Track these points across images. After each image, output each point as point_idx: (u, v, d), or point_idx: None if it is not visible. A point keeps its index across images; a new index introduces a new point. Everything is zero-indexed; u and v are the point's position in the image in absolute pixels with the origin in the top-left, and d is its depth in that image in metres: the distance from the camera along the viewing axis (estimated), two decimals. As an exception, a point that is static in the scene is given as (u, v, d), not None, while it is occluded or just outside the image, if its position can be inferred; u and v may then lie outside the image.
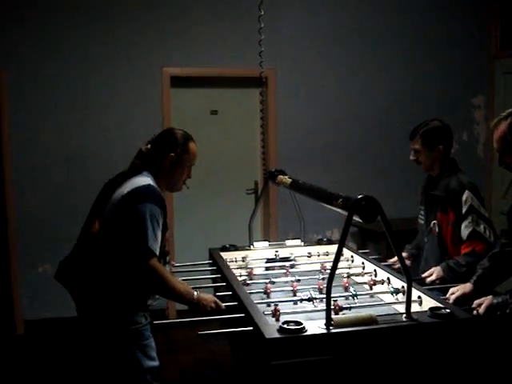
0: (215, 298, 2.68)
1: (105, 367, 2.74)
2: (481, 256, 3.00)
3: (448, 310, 2.38)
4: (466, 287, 2.79)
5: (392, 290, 2.84)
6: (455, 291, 2.79)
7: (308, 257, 3.62)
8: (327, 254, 3.61)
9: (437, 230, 3.22)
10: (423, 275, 3.10)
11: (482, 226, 3.07)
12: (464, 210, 3.09)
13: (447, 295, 2.81)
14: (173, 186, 2.86)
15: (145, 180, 2.69)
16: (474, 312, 2.58)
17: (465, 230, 3.09)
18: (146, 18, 5.38)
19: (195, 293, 2.62)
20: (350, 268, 3.38)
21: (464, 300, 2.72)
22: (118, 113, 5.36)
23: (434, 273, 3.12)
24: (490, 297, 2.59)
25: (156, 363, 2.72)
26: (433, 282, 3.10)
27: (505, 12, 6.09)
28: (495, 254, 2.78)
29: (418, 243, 3.53)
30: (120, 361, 2.66)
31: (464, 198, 3.10)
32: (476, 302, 2.63)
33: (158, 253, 2.55)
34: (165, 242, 2.76)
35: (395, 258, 3.38)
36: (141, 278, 2.54)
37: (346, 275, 3.20)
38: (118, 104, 5.37)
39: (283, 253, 3.63)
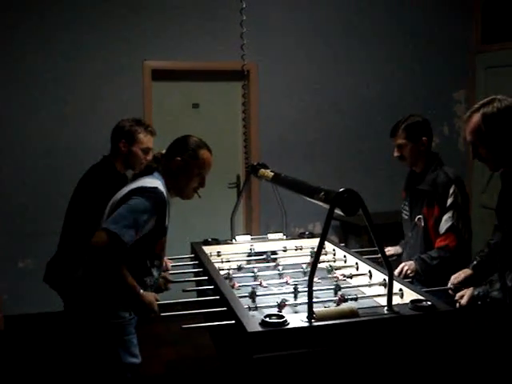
0: (155, 304, 2.61)
1: (86, 361, 2.73)
2: (452, 252, 3.07)
3: (429, 303, 2.39)
4: (467, 272, 2.86)
5: (329, 268, 3.11)
6: (457, 276, 2.86)
7: (284, 251, 3.63)
8: (310, 247, 3.62)
9: (422, 224, 3.24)
10: (396, 272, 3.10)
11: (460, 224, 3.11)
12: (448, 204, 3.12)
13: (451, 279, 2.87)
14: (180, 192, 2.82)
15: (154, 182, 2.68)
16: (457, 304, 2.61)
17: (444, 224, 3.12)
18: (128, 12, 5.33)
19: (141, 290, 2.58)
20: (334, 261, 3.40)
21: (466, 282, 2.78)
22: (99, 106, 5.32)
23: (406, 265, 3.16)
24: (471, 288, 2.62)
25: (137, 360, 2.71)
26: (415, 277, 3.13)
27: (486, 7, 6.12)
28: (493, 244, 2.82)
29: None
30: (100, 355, 2.65)
31: (450, 191, 3.13)
32: (458, 294, 2.66)
33: (128, 244, 2.48)
34: (161, 246, 2.76)
35: (391, 250, 3.42)
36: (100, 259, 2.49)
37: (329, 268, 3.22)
38: (99, 98, 5.32)
39: (265, 247, 3.63)
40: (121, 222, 2.47)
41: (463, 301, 2.59)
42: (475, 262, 2.88)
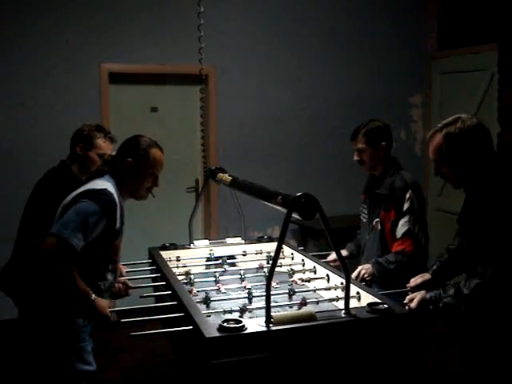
0: (107, 310, 2.58)
1: (39, 369, 2.68)
2: (409, 257, 3.11)
3: (386, 306, 2.41)
4: (425, 276, 2.88)
5: (290, 271, 3.15)
6: (415, 279, 2.87)
7: (243, 255, 3.63)
8: (267, 251, 3.62)
9: (379, 227, 3.28)
10: (353, 275, 3.12)
11: (417, 228, 3.15)
12: (404, 209, 3.16)
13: (410, 283, 2.88)
14: (134, 192, 2.81)
15: (104, 184, 2.66)
16: (406, 307, 2.64)
17: (401, 228, 3.16)
18: (84, 14, 5.25)
19: (93, 296, 2.55)
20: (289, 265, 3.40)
21: (424, 286, 2.79)
22: (55, 110, 5.22)
23: (363, 269, 3.18)
24: (422, 291, 2.65)
25: (91, 368, 2.67)
26: (374, 281, 3.16)
27: (442, 13, 6.25)
28: (453, 250, 2.85)
29: (359, 243, 3.59)
30: (54, 362, 2.61)
31: (407, 196, 3.17)
32: (408, 297, 2.69)
33: (77, 248, 2.45)
34: (115, 250, 2.72)
35: (333, 256, 3.44)
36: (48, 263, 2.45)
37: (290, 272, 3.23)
38: (55, 101, 5.23)
39: (223, 251, 3.62)
40: (69, 226, 2.44)
41: (413, 304, 2.62)
42: (434, 267, 2.90)
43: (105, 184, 2.66)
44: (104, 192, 2.60)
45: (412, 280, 2.90)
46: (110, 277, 2.71)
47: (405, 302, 2.67)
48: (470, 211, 2.59)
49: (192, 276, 3.12)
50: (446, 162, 2.51)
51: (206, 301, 2.71)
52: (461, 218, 2.73)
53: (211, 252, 3.58)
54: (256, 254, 3.61)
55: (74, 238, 2.42)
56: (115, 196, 2.65)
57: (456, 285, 2.48)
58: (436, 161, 2.55)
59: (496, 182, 2.44)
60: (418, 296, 2.63)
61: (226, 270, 3.31)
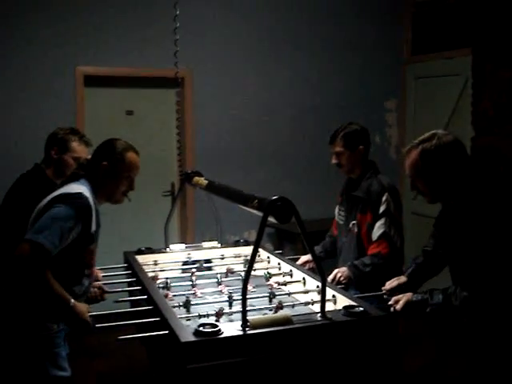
0: (87, 315, 2.55)
1: (13, 375, 2.64)
2: (385, 259, 3.13)
3: (361, 308, 2.42)
4: (401, 279, 2.89)
5: (267, 275, 3.15)
6: (391, 282, 2.89)
7: (221, 259, 3.62)
8: (245, 255, 3.61)
9: (356, 230, 3.30)
10: (329, 278, 3.13)
11: (392, 231, 3.18)
12: (381, 211, 3.19)
13: (385, 285, 2.90)
14: (109, 196, 2.79)
15: (78, 188, 2.63)
16: (392, 309, 2.65)
17: (377, 231, 3.19)
18: (60, 16, 5.21)
19: (72, 301, 2.52)
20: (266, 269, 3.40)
21: (399, 289, 2.82)
22: (29, 113, 5.16)
23: (339, 272, 3.19)
24: (408, 294, 2.66)
25: (66, 373, 2.64)
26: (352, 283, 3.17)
27: (416, 18, 6.31)
28: (428, 252, 2.88)
29: (326, 246, 3.61)
30: (27, 368, 2.57)
31: (383, 199, 3.20)
32: (394, 298, 2.70)
33: (52, 252, 2.42)
34: (90, 254, 2.70)
35: (304, 259, 3.45)
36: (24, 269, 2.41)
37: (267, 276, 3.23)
38: (30, 104, 5.17)
39: (200, 255, 3.61)
40: (44, 232, 2.41)
41: (398, 306, 2.63)
42: (410, 270, 2.92)
43: (80, 188, 2.64)
44: (79, 196, 2.58)
45: (388, 283, 2.91)
46: (85, 281, 2.69)
47: (390, 303, 2.68)
48: (448, 221, 2.62)
49: (169, 280, 3.10)
50: (421, 178, 2.53)
51: (187, 304, 2.70)
52: (437, 224, 2.76)
53: (189, 256, 3.56)
54: (235, 257, 3.61)
55: (50, 244, 2.40)
56: (90, 200, 2.63)
57: (444, 292, 2.50)
58: (412, 176, 2.57)
59: (477, 197, 2.47)
60: (403, 298, 2.64)
61: (203, 274, 3.30)
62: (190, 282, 3.12)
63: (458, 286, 2.46)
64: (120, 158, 2.73)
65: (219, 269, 3.45)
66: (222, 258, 3.62)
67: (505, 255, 2.36)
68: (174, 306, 2.65)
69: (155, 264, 3.46)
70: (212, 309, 2.60)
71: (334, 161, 3.38)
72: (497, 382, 2.49)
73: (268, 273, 3.25)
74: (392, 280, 2.92)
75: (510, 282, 2.37)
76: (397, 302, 2.66)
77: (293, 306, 2.74)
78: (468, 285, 2.42)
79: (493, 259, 2.37)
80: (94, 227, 2.66)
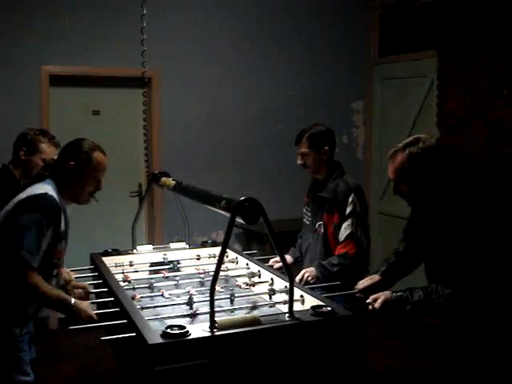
0: (90, 311, 2.57)
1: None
2: (352, 259, 3.16)
3: (329, 308, 2.43)
4: (374, 278, 2.92)
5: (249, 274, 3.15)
6: (364, 281, 2.91)
7: (189, 259, 3.60)
8: (212, 256, 3.60)
9: (322, 230, 3.32)
10: (297, 278, 3.13)
11: (359, 231, 3.20)
12: (347, 212, 3.21)
13: (357, 285, 2.91)
14: (76, 197, 2.77)
15: (43, 188, 2.61)
16: (370, 307, 2.67)
17: (344, 231, 3.22)
18: (25, 15, 5.13)
19: (72, 300, 2.53)
20: (234, 269, 3.39)
21: (372, 288, 2.84)
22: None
23: (307, 272, 3.20)
24: (387, 292, 2.67)
25: (29, 378, 2.60)
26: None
27: (383, 20, 6.37)
28: (401, 253, 2.91)
29: (301, 246, 3.61)
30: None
31: (350, 200, 3.23)
32: (372, 296, 2.71)
33: (35, 262, 2.46)
34: (58, 255, 2.67)
35: (276, 259, 3.45)
36: (13, 286, 2.43)
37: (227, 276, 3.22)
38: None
39: (167, 256, 3.58)
40: (31, 249, 2.44)
41: (377, 304, 2.65)
42: (383, 269, 2.94)
43: (45, 188, 2.61)
44: (45, 196, 2.56)
45: (360, 282, 2.93)
46: (53, 282, 2.66)
47: (368, 301, 2.69)
48: (423, 224, 2.65)
49: (135, 281, 3.07)
50: (406, 181, 2.56)
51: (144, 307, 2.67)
52: (410, 229, 2.80)
53: (165, 256, 3.54)
54: (202, 258, 3.59)
55: (32, 256, 2.44)
56: (57, 199, 2.60)
57: (424, 290, 2.53)
58: (396, 180, 2.59)
59: (460, 199, 2.50)
60: (382, 296, 2.65)
61: (170, 276, 3.28)
62: (158, 284, 3.09)
63: (439, 285, 2.49)
64: (87, 158, 2.71)
65: (187, 270, 3.43)
66: (190, 259, 3.59)
67: (487, 253, 2.41)
68: (142, 308, 2.63)
69: (122, 265, 3.41)
70: (180, 310, 2.58)
71: (299, 161, 3.39)
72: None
73: (251, 274, 3.24)
74: (365, 279, 2.94)
75: (492, 279, 2.42)
76: (375, 300, 2.68)
77: (261, 306, 2.73)
78: (451, 282, 2.45)
79: (476, 256, 2.41)
80: (63, 227, 2.64)
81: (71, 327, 2.40)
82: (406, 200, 2.65)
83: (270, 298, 2.89)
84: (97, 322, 2.55)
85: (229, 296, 2.84)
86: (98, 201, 2.87)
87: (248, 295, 2.93)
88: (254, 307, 2.70)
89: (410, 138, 2.59)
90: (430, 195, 2.56)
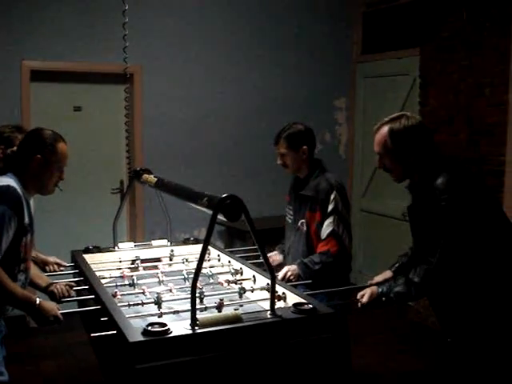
0: (56, 310, 2.54)
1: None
2: (334, 257, 3.16)
3: (311, 306, 2.43)
4: (387, 274, 2.94)
5: (232, 271, 3.15)
6: (377, 278, 2.94)
7: (171, 257, 3.59)
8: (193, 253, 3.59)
9: (305, 228, 3.32)
10: (279, 276, 3.13)
11: (341, 229, 3.21)
12: (329, 210, 3.22)
13: (374, 280, 2.93)
14: (42, 188, 2.74)
15: (5, 181, 2.57)
16: (359, 304, 2.69)
17: (325, 229, 3.22)
18: (5, 10, 5.07)
19: (37, 300, 2.50)
20: (216, 267, 3.38)
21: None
22: (-28, 108, 5.03)
23: (289, 270, 3.20)
24: (373, 287, 2.71)
25: (4, 378, 2.57)
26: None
27: (366, 18, 6.39)
28: (414, 252, 2.91)
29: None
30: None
31: (331, 197, 3.23)
32: (360, 293, 2.73)
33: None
34: (25, 248, 2.63)
35: (271, 255, 3.46)
36: None
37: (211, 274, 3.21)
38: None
39: (149, 253, 3.56)
40: None
41: (364, 299, 2.68)
42: (397, 265, 2.97)
43: (6, 180, 2.59)
44: (7, 188, 2.54)
45: (375, 278, 2.95)
46: (21, 277, 2.63)
47: (357, 298, 2.71)
48: (416, 210, 2.67)
49: (116, 279, 3.05)
50: (388, 155, 2.59)
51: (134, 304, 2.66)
52: (409, 212, 2.80)
53: (139, 255, 3.52)
54: (184, 255, 3.57)
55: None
56: (19, 191, 2.58)
57: (406, 275, 2.56)
58: (380, 153, 2.63)
59: (438, 176, 2.51)
60: (368, 291, 2.69)
61: (151, 273, 3.26)
62: (140, 281, 3.08)
63: (418, 265, 2.51)
64: (52, 150, 2.69)
65: (168, 267, 3.42)
66: (172, 257, 3.58)
67: (467, 232, 2.43)
68: (123, 306, 2.61)
69: (102, 263, 3.39)
70: (159, 308, 2.57)
71: (279, 161, 3.40)
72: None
73: (218, 271, 3.24)
74: (378, 276, 2.96)
75: (477, 261, 2.44)
76: (362, 296, 2.70)
77: (242, 303, 2.73)
78: (430, 259, 2.46)
79: (455, 236, 2.42)
80: (26, 219, 2.61)
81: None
82: (391, 174, 2.67)
83: (241, 296, 2.87)
84: (60, 322, 2.53)
85: (212, 293, 2.82)
86: (63, 190, 2.86)
87: (229, 292, 2.91)
88: (236, 304, 2.69)
89: (395, 114, 2.64)
90: (412, 170, 2.59)
